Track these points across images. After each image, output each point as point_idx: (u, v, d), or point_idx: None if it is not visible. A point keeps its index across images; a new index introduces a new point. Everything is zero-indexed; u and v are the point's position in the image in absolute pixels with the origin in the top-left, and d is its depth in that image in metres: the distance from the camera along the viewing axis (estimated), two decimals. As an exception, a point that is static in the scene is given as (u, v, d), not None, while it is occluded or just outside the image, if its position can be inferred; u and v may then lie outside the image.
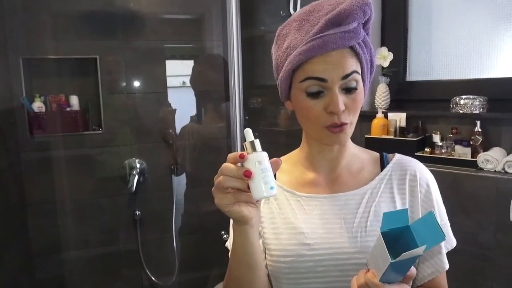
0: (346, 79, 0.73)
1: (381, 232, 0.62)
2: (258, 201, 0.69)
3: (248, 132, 0.65)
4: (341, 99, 0.72)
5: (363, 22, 0.74)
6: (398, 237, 0.62)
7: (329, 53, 0.72)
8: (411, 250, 0.57)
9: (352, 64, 0.73)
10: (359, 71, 0.75)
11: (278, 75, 0.80)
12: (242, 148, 0.67)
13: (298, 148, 0.90)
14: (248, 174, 0.62)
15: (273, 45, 0.82)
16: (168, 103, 2.29)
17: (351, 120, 0.76)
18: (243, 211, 0.66)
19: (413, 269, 0.64)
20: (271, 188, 0.63)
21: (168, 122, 2.28)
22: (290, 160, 0.90)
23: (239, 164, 0.65)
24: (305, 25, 0.75)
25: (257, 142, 0.64)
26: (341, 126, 0.74)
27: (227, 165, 0.64)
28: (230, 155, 0.65)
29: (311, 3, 0.78)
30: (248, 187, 0.64)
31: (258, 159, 0.63)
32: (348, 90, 0.74)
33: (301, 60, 0.73)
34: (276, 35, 0.82)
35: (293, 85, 0.77)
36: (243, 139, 0.66)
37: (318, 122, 0.75)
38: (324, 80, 0.72)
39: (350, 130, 0.77)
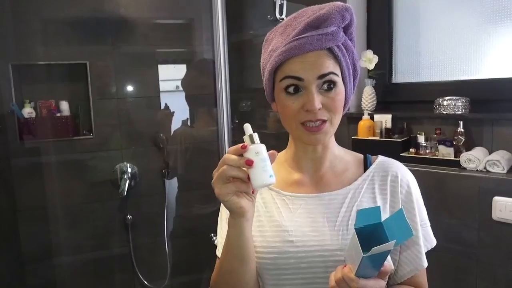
0: (323, 79, 0.76)
1: (356, 229, 0.64)
2: (254, 193, 0.72)
3: (248, 127, 0.70)
4: (318, 98, 0.76)
5: (343, 26, 0.77)
6: (372, 233, 0.65)
7: (307, 54, 0.75)
8: (381, 245, 0.60)
9: (329, 65, 0.76)
10: (338, 73, 0.78)
11: (263, 77, 0.84)
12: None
13: (285, 149, 0.93)
14: (249, 163, 0.66)
15: (262, 51, 0.86)
16: (166, 106, 2.31)
17: (330, 119, 0.78)
18: (240, 202, 0.69)
19: (388, 265, 0.66)
20: (270, 176, 0.67)
21: (166, 125, 2.29)
22: (277, 160, 0.92)
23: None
24: (288, 29, 0.79)
25: (255, 135, 0.69)
26: (319, 126, 0.77)
27: (229, 156, 0.68)
28: (232, 147, 0.69)
29: (298, 11, 0.82)
30: (248, 178, 0.68)
31: (257, 150, 0.67)
32: (326, 90, 0.77)
33: (280, 61, 0.77)
34: (264, 40, 0.86)
35: (275, 85, 0.81)
36: (231, 142, 0.70)
37: (295, 119, 0.78)
38: (301, 79, 0.76)
39: (330, 129, 0.79)
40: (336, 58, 0.77)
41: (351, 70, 0.81)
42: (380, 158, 0.89)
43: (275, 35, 0.82)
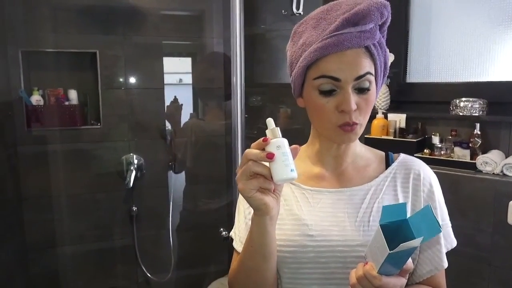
0: (360, 80, 0.74)
1: (380, 225, 0.63)
2: (275, 191, 0.70)
3: (270, 121, 0.69)
4: (353, 99, 0.74)
5: (380, 23, 0.75)
6: (397, 230, 0.64)
7: (344, 52, 0.73)
8: (409, 241, 0.58)
9: (366, 65, 0.74)
10: (373, 73, 0.76)
11: (292, 71, 0.82)
12: (248, 145, 0.69)
13: (306, 144, 0.92)
14: (270, 156, 0.65)
15: (289, 42, 0.84)
16: (175, 99, 2.29)
17: (361, 121, 0.77)
18: (264, 199, 0.68)
19: (409, 263, 0.65)
20: (292, 170, 0.66)
21: (175, 117, 2.27)
22: (298, 155, 0.91)
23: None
24: (322, 23, 0.76)
25: (277, 130, 0.68)
26: (352, 126, 0.76)
27: (251, 150, 0.67)
28: (254, 143, 0.68)
29: (329, 3, 0.79)
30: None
31: (278, 144, 0.66)
32: (361, 91, 0.75)
33: (316, 57, 0.74)
34: (292, 32, 0.83)
35: (306, 81, 0.79)
36: (244, 137, 0.69)
37: (330, 121, 0.76)
38: (338, 80, 0.74)
39: (360, 130, 0.79)
40: (372, 57, 0.75)
41: (383, 69, 0.79)
42: (402, 156, 0.88)
43: (307, 28, 0.79)
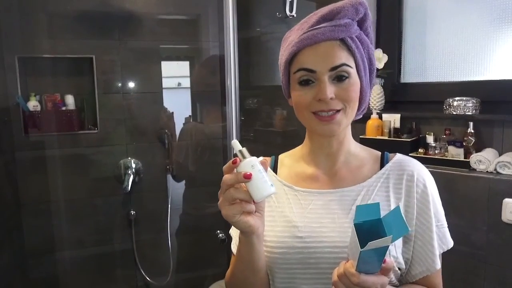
0: (335, 71, 0.76)
1: (355, 224, 0.65)
2: (262, 209, 0.73)
3: (236, 143, 0.70)
4: (330, 88, 0.76)
5: (358, 20, 0.78)
6: (371, 229, 0.65)
7: (319, 45, 0.76)
8: (377, 240, 0.60)
9: (342, 57, 0.76)
10: (352, 65, 0.78)
11: (281, 73, 0.84)
12: (236, 155, 0.73)
13: (301, 145, 0.93)
14: (247, 176, 0.67)
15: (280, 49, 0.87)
16: (164, 108, 2.30)
17: (343, 108, 0.78)
18: (249, 221, 0.71)
19: (389, 261, 0.66)
20: (271, 185, 0.69)
21: (169, 125, 2.29)
22: (293, 155, 0.93)
23: (235, 171, 0.69)
24: (303, 24, 0.81)
25: (245, 150, 0.70)
26: (331, 115, 0.77)
27: (228, 176, 0.69)
28: (225, 166, 0.70)
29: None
30: (254, 201, 0.69)
31: (252, 163, 0.68)
32: (339, 80, 0.77)
33: (293, 52, 0.78)
34: (283, 39, 0.86)
35: (290, 78, 0.82)
36: (240, 139, 0.70)
37: (307, 109, 0.79)
38: (313, 71, 0.77)
39: (343, 119, 0.79)
40: (349, 50, 0.77)
41: (366, 64, 0.81)
42: (398, 156, 0.88)
43: (293, 32, 0.83)
